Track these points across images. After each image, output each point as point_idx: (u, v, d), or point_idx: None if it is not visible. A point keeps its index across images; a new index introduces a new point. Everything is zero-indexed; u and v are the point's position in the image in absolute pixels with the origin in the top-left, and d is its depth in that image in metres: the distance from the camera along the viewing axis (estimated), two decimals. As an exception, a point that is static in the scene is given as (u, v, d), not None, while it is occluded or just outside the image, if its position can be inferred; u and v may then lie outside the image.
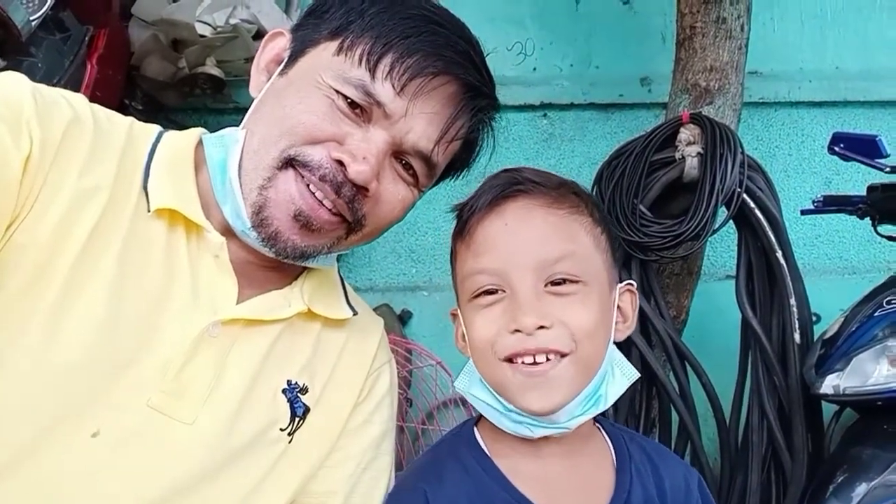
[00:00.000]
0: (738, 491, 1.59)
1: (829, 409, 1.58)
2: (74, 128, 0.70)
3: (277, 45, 0.83)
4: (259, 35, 1.88)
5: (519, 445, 0.79)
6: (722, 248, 2.36)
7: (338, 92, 0.75)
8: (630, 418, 1.67)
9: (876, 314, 1.43)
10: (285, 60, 0.81)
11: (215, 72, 1.91)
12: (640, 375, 0.84)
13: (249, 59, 0.85)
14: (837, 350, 1.42)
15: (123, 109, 1.79)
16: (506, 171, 0.83)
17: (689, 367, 1.64)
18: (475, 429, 0.84)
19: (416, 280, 2.35)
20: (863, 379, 1.35)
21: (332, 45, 0.77)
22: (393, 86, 0.75)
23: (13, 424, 0.64)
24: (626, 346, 1.62)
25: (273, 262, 0.81)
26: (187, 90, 2.01)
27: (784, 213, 1.58)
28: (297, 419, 0.81)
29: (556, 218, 0.79)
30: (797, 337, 1.52)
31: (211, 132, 0.84)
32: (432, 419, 1.92)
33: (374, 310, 2.10)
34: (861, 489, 1.29)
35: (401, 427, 1.85)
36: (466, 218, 0.82)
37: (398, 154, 0.80)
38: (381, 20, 0.76)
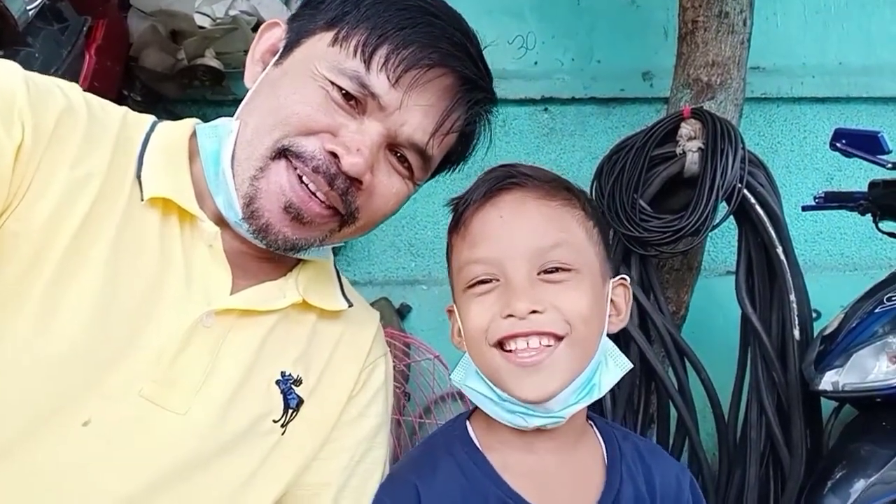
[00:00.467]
0: (737, 486, 1.59)
1: (828, 406, 1.58)
2: (68, 116, 0.70)
3: (273, 35, 0.82)
4: (258, 27, 1.87)
5: (511, 440, 0.80)
6: (722, 244, 2.36)
7: (332, 83, 0.74)
8: (629, 414, 1.66)
9: (876, 310, 1.43)
10: (280, 51, 0.80)
11: (214, 63, 1.91)
12: (633, 366, 0.85)
13: (249, 51, 0.84)
14: (837, 346, 1.41)
15: (122, 101, 1.78)
16: (501, 166, 0.84)
17: (687, 363, 1.63)
18: (467, 423, 0.84)
19: (415, 274, 2.35)
20: (862, 375, 1.35)
21: (328, 36, 0.76)
22: (388, 77, 0.74)
23: (4, 413, 0.64)
24: (624, 341, 1.62)
25: (268, 253, 0.81)
26: (186, 82, 2.00)
27: (785, 209, 1.57)
28: (290, 411, 0.81)
29: (549, 209, 0.80)
30: (797, 333, 1.51)
31: None
32: (430, 413, 1.92)
33: (373, 303, 2.12)
34: (859, 485, 1.28)
35: (398, 421, 1.85)
36: (462, 210, 0.83)
37: (393, 146, 0.79)
38: (376, 11, 0.75)
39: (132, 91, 2.04)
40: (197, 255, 0.77)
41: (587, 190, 1.61)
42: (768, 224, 1.54)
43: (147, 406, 0.70)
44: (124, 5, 1.89)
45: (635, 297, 1.60)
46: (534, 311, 0.74)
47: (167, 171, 0.76)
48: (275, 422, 0.80)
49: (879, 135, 1.45)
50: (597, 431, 0.86)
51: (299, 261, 0.87)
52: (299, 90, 0.75)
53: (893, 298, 1.43)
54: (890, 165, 1.45)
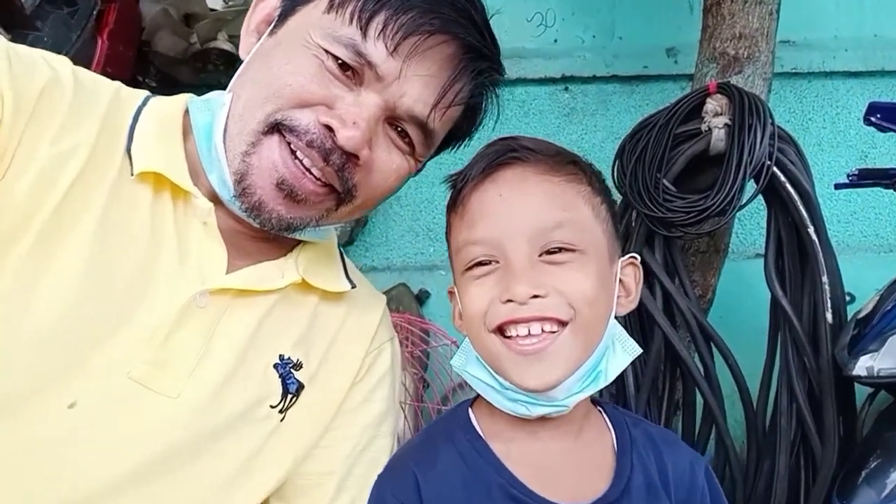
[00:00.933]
0: (766, 476, 1.55)
1: (861, 392, 1.52)
2: (53, 89, 0.68)
3: (268, 4, 0.79)
4: (271, 9, 1.84)
5: (515, 427, 0.76)
6: (751, 225, 2.29)
7: (327, 52, 0.71)
8: (653, 401, 1.62)
9: (914, 293, 1.37)
10: (275, 20, 0.77)
11: (227, 46, 1.89)
12: (641, 351, 0.81)
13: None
14: (872, 330, 1.35)
15: (137, 86, 1.77)
16: (501, 139, 0.80)
17: (714, 349, 1.58)
18: (470, 410, 0.81)
19: (434, 259, 2.32)
20: (899, 360, 1.29)
21: (323, 3, 0.73)
22: (386, 45, 0.70)
23: None
24: (649, 326, 1.58)
25: (265, 233, 0.78)
26: (200, 66, 1.98)
27: (817, 188, 1.51)
28: (289, 396, 0.78)
29: (552, 185, 0.75)
30: (829, 316, 1.45)
31: None
32: (448, 401, 1.90)
33: (391, 289, 2.10)
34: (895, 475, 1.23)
35: (416, 408, 1.83)
36: (460, 188, 0.78)
37: (392, 120, 0.75)
38: None
39: (147, 76, 2.03)
40: (191, 232, 0.74)
41: (609, 170, 1.57)
42: (799, 203, 1.47)
43: (136, 388, 0.68)
44: (136, -11, 1.87)
45: (659, 281, 1.56)
46: (535, 296, 0.70)
47: (159, 146, 0.73)
48: (272, 407, 0.77)
49: (917, 108, 1.38)
50: (606, 418, 0.82)
51: (300, 241, 0.84)
52: (292, 60, 0.72)
53: (932, 280, 1.37)
54: (929, 140, 1.38)
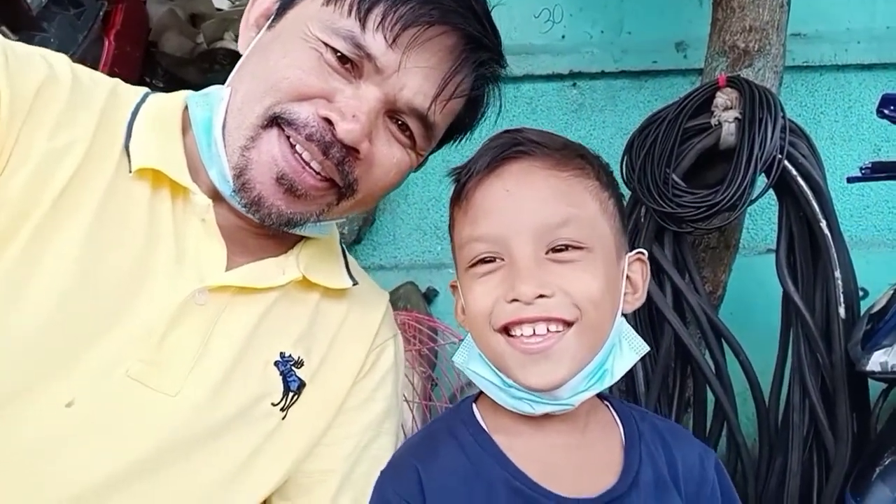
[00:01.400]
0: (778, 472, 1.53)
1: (875, 388, 1.50)
2: (50, 85, 0.67)
3: None
4: (277, 7, 1.84)
5: (520, 422, 0.75)
6: (762, 221, 2.27)
7: (326, 44, 0.70)
8: (663, 398, 1.61)
9: (929, 287, 1.35)
10: (274, 14, 0.76)
11: (234, 46, 1.88)
12: (649, 349, 0.79)
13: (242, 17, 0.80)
14: (886, 325, 1.33)
15: (144, 86, 1.78)
16: (506, 131, 0.78)
17: (725, 345, 1.57)
18: (474, 405, 0.80)
19: (442, 257, 2.31)
20: (914, 355, 1.27)
21: None
22: (385, 37, 0.70)
23: None
24: (659, 323, 1.57)
25: (266, 230, 0.77)
26: (207, 66, 1.99)
27: (830, 182, 1.49)
28: (291, 394, 0.78)
29: (558, 181, 0.73)
30: (842, 311, 1.43)
31: None
32: (456, 399, 1.89)
33: (399, 288, 2.09)
34: (911, 472, 1.22)
35: (426, 407, 1.82)
36: (464, 182, 0.77)
37: (392, 113, 0.75)
38: None
39: (154, 77, 2.03)
40: (189, 229, 0.74)
41: (618, 166, 1.56)
42: (811, 197, 1.45)
43: (135, 386, 0.67)
44: (143, -11, 1.88)
45: (669, 277, 1.54)
46: (541, 296, 0.68)
47: (157, 142, 0.73)
48: (274, 405, 0.77)
49: (932, 99, 1.36)
50: (613, 412, 0.81)
51: (301, 238, 0.83)
52: (290, 53, 0.71)
53: (948, 273, 1.35)
54: (944, 131, 1.36)
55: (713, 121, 1.49)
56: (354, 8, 0.70)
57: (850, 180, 1.65)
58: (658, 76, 2.30)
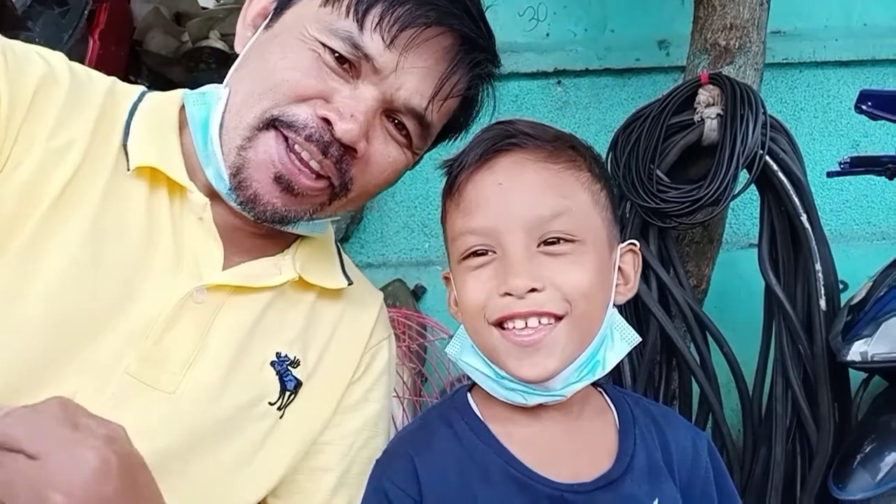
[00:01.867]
0: (762, 462, 1.56)
1: (856, 377, 1.53)
2: (48, 85, 0.68)
3: None
4: (263, 6, 1.84)
5: (514, 410, 0.75)
6: (745, 216, 2.30)
7: (324, 45, 0.71)
8: (649, 390, 1.63)
9: (906, 279, 1.38)
10: (271, 14, 0.77)
11: (219, 45, 1.88)
12: (640, 340, 0.80)
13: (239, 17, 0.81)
14: (865, 316, 1.36)
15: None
16: (498, 123, 0.78)
17: (710, 338, 1.59)
18: (468, 394, 0.80)
19: (430, 255, 2.32)
20: (892, 345, 1.30)
21: None
22: (382, 38, 0.70)
23: None
24: (644, 317, 1.59)
25: (262, 229, 0.78)
26: (192, 65, 1.98)
27: (810, 178, 1.51)
28: (287, 393, 0.78)
29: (550, 173, 0.73)
30: (823, 303, 1.47)
31: None
32: (446, 395, 1.90)
33: (388, 285, 2.10)
34: (891, 458, 1.25)
35: (416, 402, 1.83)
36: (456, 174, 0.76)
37: (389, 112, 0.75)
38: None
39: (139, 76, 2.02)
40: (187, 227, 0.74)
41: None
42: (792, 192, 1.49)
43: (133, 383, 0.68)
44: (127, -12, 1.87)
45: (654, 272, 1.56)
46: (532, 290, 0.68)
47: (155, 141, 0.73)
48: (271, 404, 0.77)
49: (908, 95, 1.39)
50: (607, 398, 0.81)
51: (297, 237, 0.83)
52: (289, 54, 0.72)
53: (924, 266, 1.38)
54: (920, 126, 1.39)
55: (696, 117, 1.51)
56: (352, 9, 0.70)
57: (829, 175, 1.68)
58: (641, 73, 2.32)
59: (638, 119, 1.59)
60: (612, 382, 1.58)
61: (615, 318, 0.77)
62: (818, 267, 1.48)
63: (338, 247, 0.91)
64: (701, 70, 1.61)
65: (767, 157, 1.46)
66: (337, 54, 0.71)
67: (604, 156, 1.60)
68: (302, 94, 0.71)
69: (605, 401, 0.81)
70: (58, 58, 0.72)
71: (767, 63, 1.70)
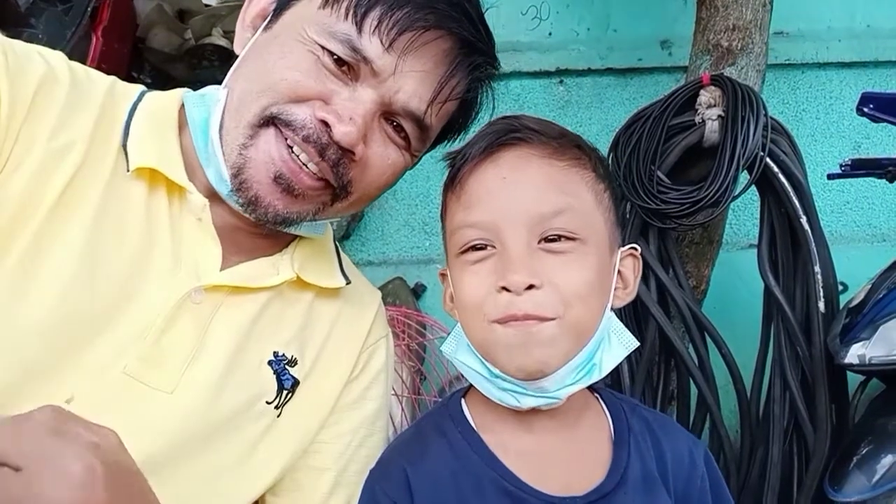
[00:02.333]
0: (759, 463, 1.56)
1: (854, 380, 1.53)
2: (48, 85, 0.68)
3: None
4: (265, 3, 1.84)
5: (509, 418, 0.75)
6: (745, 217, 2.30)
7: (323, 48, 0.71)
8: (647, 391, 1.63)
9: (905, 281, 1.38)
10: (270, 15, 0.77)
11: (222, 42, 1.89)
12: (638, 345, 0.79)
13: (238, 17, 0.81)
14: (863, 318, 1.37)
15: (131, 82, 1.78)
16: (504, 118, 0.77)
17: (708, 339, 1.59)
18: (463, 401, 0.79)
19: (430, 253, 2.32)
20: (889, 348, 1.30)
21: None
22: (381, 41, 0.70)
23: None
24: (643, 318, 1.59)
25: (261, 228, 0.78)
26: (195, 62, 1.98)
27: (811, 178, 1.51)
28: (285, 392, 0.78)
29: (554, 170, 0.72)
30: (822, 305, 1.47)
31: None
32: (444, 393, 1.91)
33: (388, 283, 2.10)
34: (887, 461, 1.25)
35: (414, 401, 1.84)
36: (458, 167, 0.76)
37: (388, 115, 0.75)
38: None
39: (141, 73, 2.03)
40: (185, 228, 0.74)
41: (603, 162, 1.57)
42: (792, 193, 1.48)
43: (132, 384, 0.68)
44: (130, -15, 1.87)
45: (654, 272, 1.57)
46: (530, 286, 0.67)
47: (154, 141, 0.73)
48: (268, 403, 0.77)
49: (910, 98, 1.39)
50: (603, 405, 0.80)
51: (296, 236, 0.84)
52: (287, 55, 0.72)
53: (924, 268, 1.38)
54: (921, 130, 1.39)
55: (697, 118, 1.51)
56: (351, 12, 0.70)
57: (830, 177, 1.68)
58: (643, 73, 2.31)
59: (639, 120, 1.59)
60: (610, 382, 1.60)
61: (613, 322, 0.76)
62: (817, 269, 1.48)
63: (336, 246, 0.91)
64: (703, 71, 1.61)
65: (768, 159, 1.46)
66: (336, 57, 0.71)
67: (605, 156, 1.59)
68: (300, 94, 0.71)
69: (602, 408, 0.80)
70: (58, 57, 0.72)
71: (770, 63, 1.70)
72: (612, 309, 0.76)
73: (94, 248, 0.68)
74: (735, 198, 1.48)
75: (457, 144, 0.87)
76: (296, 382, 0.80)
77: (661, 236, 1.60)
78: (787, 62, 2.28)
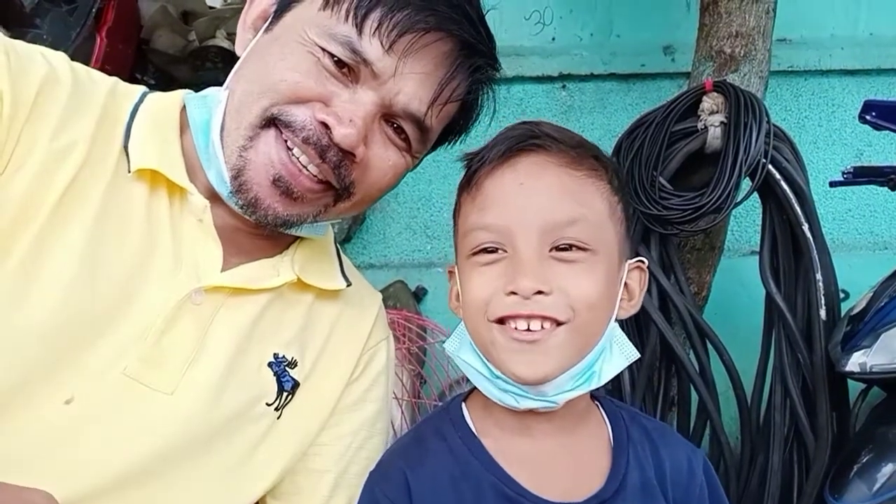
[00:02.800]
0: (759, 471, 1.56)
1: (855, 388, 1.53)
2: (50, 85, 0.68)
3: (264, 0, 0.79)
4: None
5: (508, 423, 0.75)
6: (747, 223, 2.30)
7: (323, 49, 0.71)
8: (648, 397, 1.63)
9: (906, 290, 1.38)
10: (271, 17, 0.77)
11: (226, 44, 1.89)
12: (639, 356, 0.79)
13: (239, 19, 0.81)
14: (865, 326, 1.36)
15: (135, 84, 1.78)
16: (524, 123, 0.77)
17: (710, 346, 1.59)
18: (463, 405, 0.79)
19: (431, 256, 2.32)
20: (891, 356, 1.30)
21: (319, 0, 0.73)
22: (381, 43, 0.70)
23: None
24: (644, 324, 1.59)
25: (262, 230, 0.78)
26: (199, 64, 1.99)
27: (813, 186, 1.51)
28: (285, 394, 0.78)
29: (571, 179, 0.72)
30: (823, 313, 1.46)
31: None
32: (445, 397, 1.91)
33: (389, 286, 2.10)
34: (887, 469, 1.24)
35: (414, 404, 1.83)
36: (476, 169, 0.76)
37: (388, 117, 0.75)
38: None
39: (145, 75, 2.03)
40: (186, 229, 0.74)
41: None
42: (794, 201, 1.48)
43: (132, 385, 0.68)
44: (135, -14, 1.88)
45: (655, 278, 1.56)
46: (539, 292, 0.68)
47: (156, 143, 0.73)
48: (268, 405, 0.77)
49: (912, 106, 1.39)
50: (603, 413, 0.80)
51: (297, 238, 0.84)
52: (288, 57, 0.72)
53: (925, 277, 1.38)
54: (923, 138, 1.39)
55: (699, 125, 1.51)
56: (351, 14, 0.70)
57: (832, 184, 1.68)
58: (646, 79, 2.32)
59: (641, 125, 1.59)
60: (610, 388, 1.60)
61: (616, 332, 0.77)
62: (819, 276, 1.48)
63: (337, 248, 0.91)
64: (706, 77, 1.61)
65: (770, 166, 1.46)
66: (336, 59, 0.71)
67: (608, 159, 1.59)
68: (301, 95, 0.71)
69: (601, 415, 0.80)
70: (60, 58, 0.72)
71: (772, 70, 1.70)
72: (616, 320, 0.76)
73: (95, 249, 0.68)
74: (737, 204, 1.47)
75: (457, 146, 0.87)
76: (296, 384, 0.79)
77: (663, 242, 1.60)
78: (789, 69, 2.29)
